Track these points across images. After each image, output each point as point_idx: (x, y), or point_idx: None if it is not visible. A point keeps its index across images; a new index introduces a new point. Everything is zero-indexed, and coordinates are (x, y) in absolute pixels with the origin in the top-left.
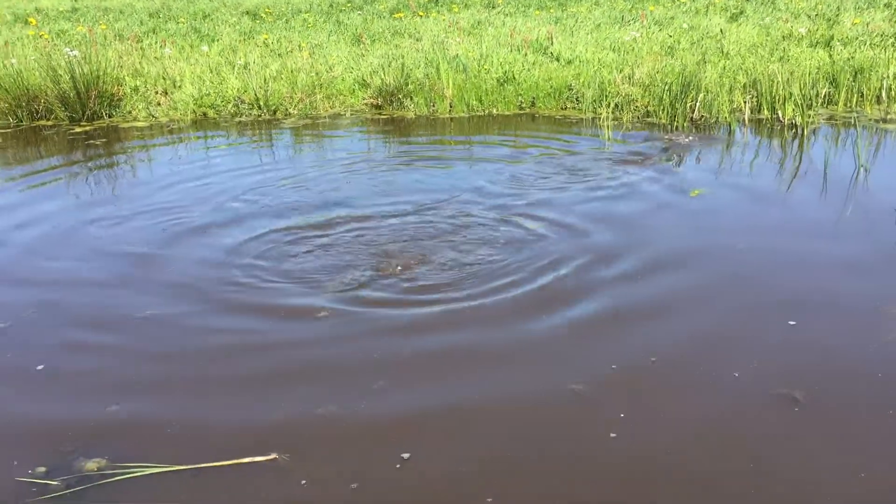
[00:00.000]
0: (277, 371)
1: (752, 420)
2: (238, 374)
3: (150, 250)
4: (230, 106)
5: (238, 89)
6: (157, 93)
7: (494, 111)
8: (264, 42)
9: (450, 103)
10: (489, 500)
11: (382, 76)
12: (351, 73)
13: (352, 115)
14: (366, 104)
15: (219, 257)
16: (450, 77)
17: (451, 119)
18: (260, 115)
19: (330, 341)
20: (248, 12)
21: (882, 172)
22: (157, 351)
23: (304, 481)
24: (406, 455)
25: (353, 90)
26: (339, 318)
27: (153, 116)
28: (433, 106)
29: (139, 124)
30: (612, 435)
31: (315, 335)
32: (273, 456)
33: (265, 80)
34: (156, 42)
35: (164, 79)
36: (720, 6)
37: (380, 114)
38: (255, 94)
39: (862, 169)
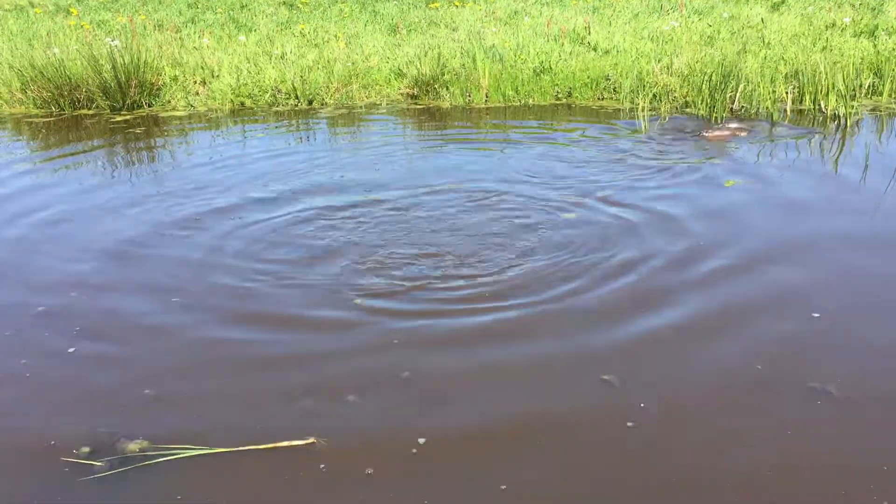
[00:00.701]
0: (315, 357)
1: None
2: (276, 358)
3: (185, 233)
4: (267, 96)
5: (275, 79)
6: (195, 82)
7: (530, 101)
8: (301, 32)
9: (486, 93)
10: None
11: (418, 66)
12: (387, 62)
13: (388, 104)
14: (402, 94)
15: (246, 245)
16: (486, 67)
17: (487, 109)
18: (297, 105)
19: (361, 338)
20: (284, 2)
21: None
22: (195, 335)
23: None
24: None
25: (389, 80)
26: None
27: (192, 106)
28: (469, 96)
29: (178, 113)
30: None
31: (354, 321)
32: (311, 440)
33: (302, 69)
34: (194, 32)
35: (202, 69)
36: None
37: (416, 103)
38: (293, 84)
39: None
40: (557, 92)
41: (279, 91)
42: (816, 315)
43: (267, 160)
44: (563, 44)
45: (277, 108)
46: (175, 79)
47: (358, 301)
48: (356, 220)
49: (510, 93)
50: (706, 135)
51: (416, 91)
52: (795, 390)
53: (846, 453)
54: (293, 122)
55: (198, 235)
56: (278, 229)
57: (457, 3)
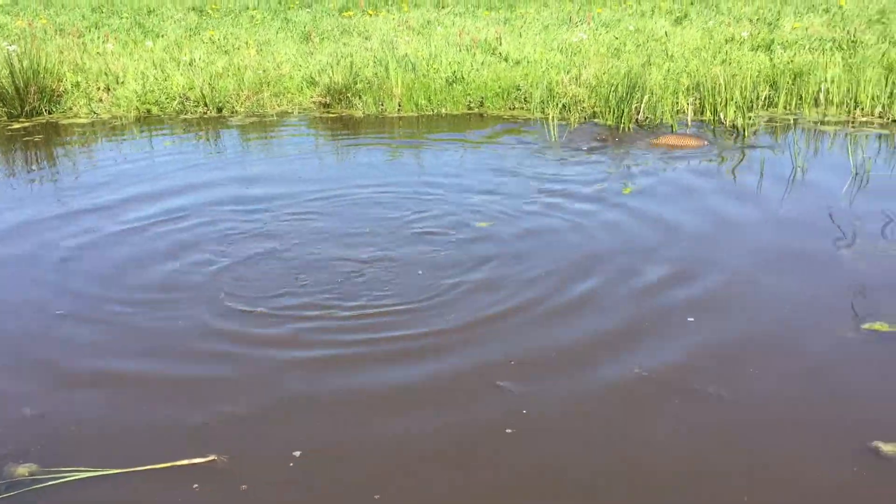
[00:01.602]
0: (216, 372)
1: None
2: (173, 375)
3: (77, 252)
4: (175, 103)
5: (183, 86)
6: (98, 89)
7: (443, 111)
8: (210, 38)
9: (399, 103)
10: None
11: (331, 74)
12: (299, 70)
13: (300, 113)
14: (314, 102)
15: (146, 257)
16: (399, 76)
17: (400, 118)
18: (206, 113)
19: (275, 338)
20: (194, 8)
21: (818, 173)
22: (84, 351)
23: (244, 485)
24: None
25: (302, 88)
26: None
27: (95, 113)
28: (382, 105)
29: (80, 121)
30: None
31: (256, 330)
32: (212, 458)
33: (211, 76)
34: (98, 37)
35: (106, 75)
36: (665, 9)
37: (328, 112)
38: (201, 92)
39: (799, 170)
40: (470, 101)
41: (187, 98)
42: (691, 319)
43: (169, 170)
44: (475, 54)
45: (186, 116)
46: (77, 85)
47: (258, 311)
48: (257, 231)
49: (423, 102)
50: (654, 141)
51: (328, 100)
52: (678, 394)
53: (731, 453)
54: (201, 130)
55: (88, 247)
56: (172, 240)
57: (370, 13)
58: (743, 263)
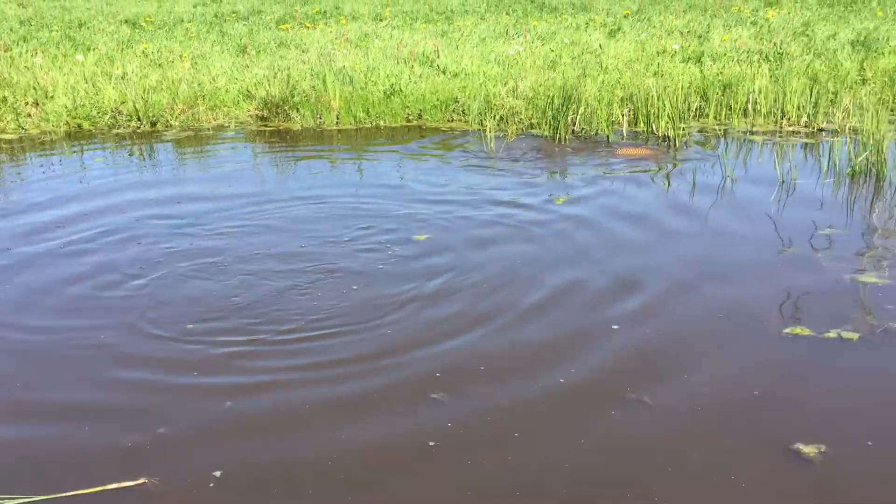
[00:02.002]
0: (140, 396)
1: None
2: (98, 400)
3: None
4: (107, 117)
5: (115, 100)
6: (27, 104)
7: (382, 123)
8: (143, 52)
9: (337, 115)
10: None
11: (268, 87)
12: (235, 84)
13: (236, 126)
14: (251, 116)
15: (68, 278)
16: (336, 89)
17: (339, 131)
18: (139, 127)
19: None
20: (126, 21)
21: (747, 182)
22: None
23: None
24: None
25: (238, 101)
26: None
27: (23, 128)
28: (320, 118)
29: (7, 136)
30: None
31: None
32: (142, 480)
33: (145, 90)
34: (26, 51)
35: (34, 89)
36: (599, 22)
37: (265, 125)
38: (134, 106)
39: (729, 179)
40: (408, 114)
41: (120, 113)
42: (616, 327)
43: (98, 185)
44: (413, 67)
45: (118, 131)
46: (4, 100)
47: (190, 326)
48: (187, 249)
49: (361, 115)
50: (618, 151)
51: (265, 113)
52: (605, 402)
53: (655, 458)
54: (134, 145)
55: (5, 270)
56: (96, 260)
57: (307, 25)
58: (670, 271)
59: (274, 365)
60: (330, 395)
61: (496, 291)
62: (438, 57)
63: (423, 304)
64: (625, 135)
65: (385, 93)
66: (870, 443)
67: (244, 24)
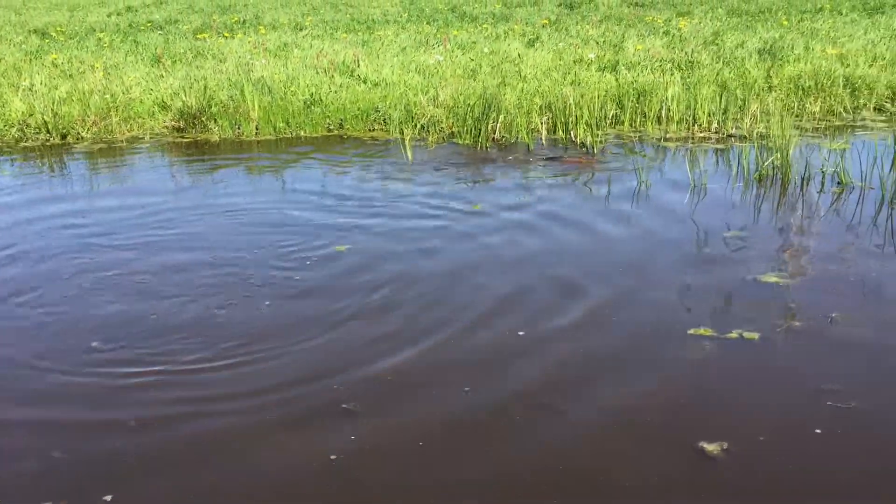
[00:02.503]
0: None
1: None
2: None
3: None
4: (14, 130)
5: (23, 112)
6: None
7: (302, 133)
8: (53, 62)
9: (256, 126)
10: None
11: (184, 98)
12: (150, 94)
13: (151, 138)
14: (167, 127)
15: None
16: (255, 99)
17: (258, 141)
18: (48, 140)
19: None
20: (36, 31)
21: (661, 188)
22: None
23: None
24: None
25: (153, 112)
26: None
27: None
28: (239, 128)
29: None
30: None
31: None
32: None
33: (54, 102)
34: None
35: None
36: (518, 32)
37: (182, 137)
38: (42, 118)
39: (643, 184)
40: (329, 124)
41: (27, 125)
42: (521, 333)
43: (2, 200)
44: (333, 76)
45: (26, 144)
46: None
47: (89, 350)
48: (94, 266)
49: (281, 125)
50: (565, 158)
51: (182, 124)
52: (514, 408)
53: (569, 462)
54: (43, 158)
55: None
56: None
57: (226, 35)
58: (580, 276)
59: (178, 395)
60: (238, 424)
61: (414, 303)
62: (359, 66)
63: (342, 320)
64: (544, 142)
65: (305, 103)
66: (768, 438)
67: (160, 34)
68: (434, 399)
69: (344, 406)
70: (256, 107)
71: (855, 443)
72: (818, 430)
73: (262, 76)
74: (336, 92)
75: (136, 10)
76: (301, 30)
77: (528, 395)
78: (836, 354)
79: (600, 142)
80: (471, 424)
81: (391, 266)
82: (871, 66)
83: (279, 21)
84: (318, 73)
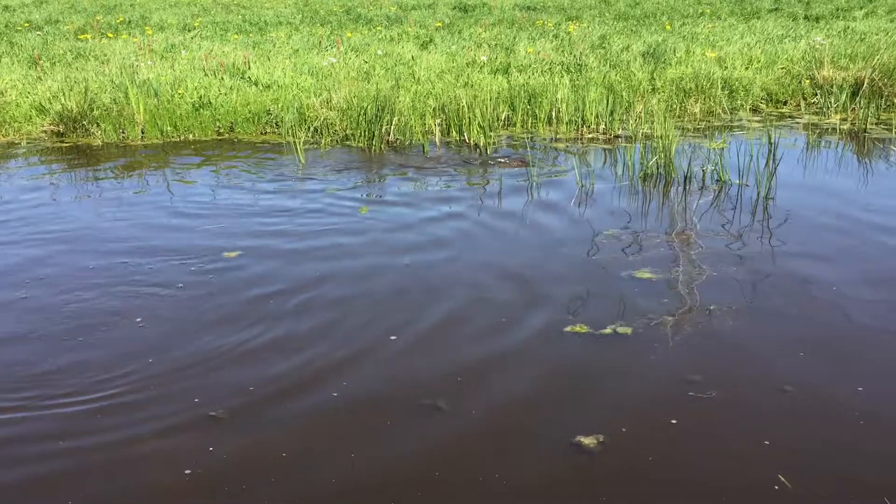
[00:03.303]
0: None
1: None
2: None
3: None
4: None
5: None
6: None
7: (191, 137)
8: None
9: (142, 129)
10: None
11: (63, 101)
12: (27, 98)
13: (28, 143)
14: (45, 132)
15: None
16: (140, 102)
17: (144, 146)
18: None
19: None
20: None
21: (549, 187)
22: None
23: None
24: None
25: (30, 117)
26: None
27: None
28: (123, 132)
29: None
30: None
31: None
32: None
33: None
34: None
35: None
36: (413, 34)
37: (62, 142)
38: None
39: (534, 184)
40: (219, 127)
41: None
42: (393, 337)
43: None
44: (222, 78)
45: None
46: None
47: None
48: None
49: (168, 128)
50: (500, 160)
51: (62, 128)
52: (399, 409)
53: (448, 459)
54: None
55: None
56: None
57: (109, 35)
58: (461, 277)
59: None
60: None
61: (292, 309)
62: (250, 68)
63: (218, 328)
64: (438, 144)
65: (194, 105)
66: (637, 429)
67: (38, 35)
68: (306, 405)
69: (211, 413)
70: (142, 110)
71: (705, 430)
72: (674, 421)
73: (148, 78)
74: (226, 94)
75: (14, 10)
76: (190, 31)
77: (405, 398)
78: (705, 346)
79: (493, 143)
80: (344, 429)
81: (277, 273)
82: (747, 68)
83: (167, 22)
84: (206, 75)
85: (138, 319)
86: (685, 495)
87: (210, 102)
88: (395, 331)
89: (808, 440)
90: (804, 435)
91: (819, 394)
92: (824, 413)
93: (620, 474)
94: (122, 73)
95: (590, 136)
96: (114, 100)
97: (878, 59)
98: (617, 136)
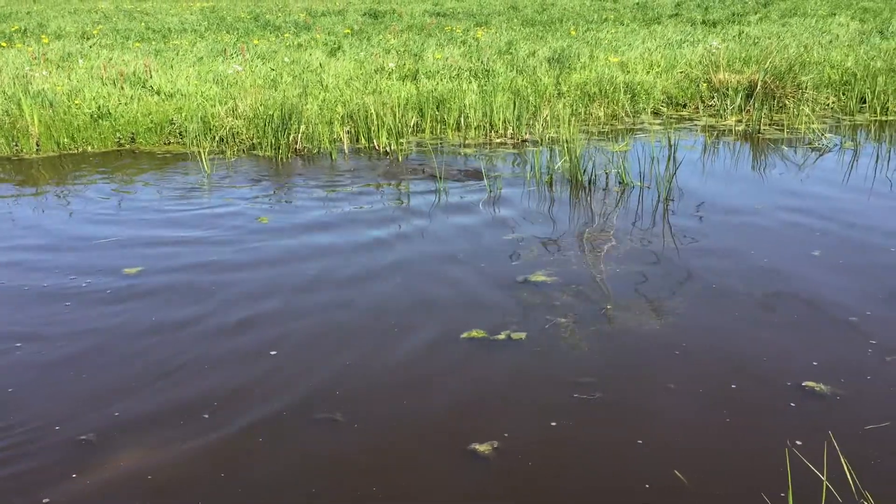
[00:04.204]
0: None
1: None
2: None
3: None
4: None
5: None
6: None
7: (90, 148)
8: None
9: (36, 141)
10: None
11: None
12: None
13: None
14: None
15: None
16: (34, 113)
17: (40, 159)
18: None
19: None
20: None
21: (456, 193)
22: None
23: None
24: None
25: None
26: None
27: None
28: (17, 145)
29: None
30: None
31: None
32: None
33: None
34: None
35: None
36: (321, 41)
37: None
38: None
39: (441, 191)
40: (119, 138)
41: None
42: (273, 353)
43: None
44: (122, 87)
45: None
46: None
47: None
48: None
49: (66, 140)
50: (409, 167)
51: None
52: (282, 421)
53: (345, 470)
54: None
55: None
56: None
57: (3, 44)
58: (356, 286)
59: None
60: None
61: (187, 325)
62: (151, 77)
63: (103, 348)
64: (346, 152)
65: (92, 116)
66: (528, 434)
67: None
68: (185, 424)
69: (81, 438)
70: (36, 121)
71: (593, 432)
72: (567, 423)
73: (43, 88)
74: (126, 104)
75: None
76: (89, 39)
77: (299, 407)
78: (597, 348)
79: (403, 149)
80: (236, 443)
81: (177, 288)
82: (648, 72)
83: (65, 30)
84: (105, 84)
85: (18, 344)
86: (578, 497)
87: (109, 112)
88: (279, 343)
89: (690, 437)
90: (686, 432)
91: (699, 391)
92: (705, 410)
93: (515, 480)
94: (14, 83)
95: (498, 140)
96: (6, 112)
97: (769, 63)
98: (524, 141)
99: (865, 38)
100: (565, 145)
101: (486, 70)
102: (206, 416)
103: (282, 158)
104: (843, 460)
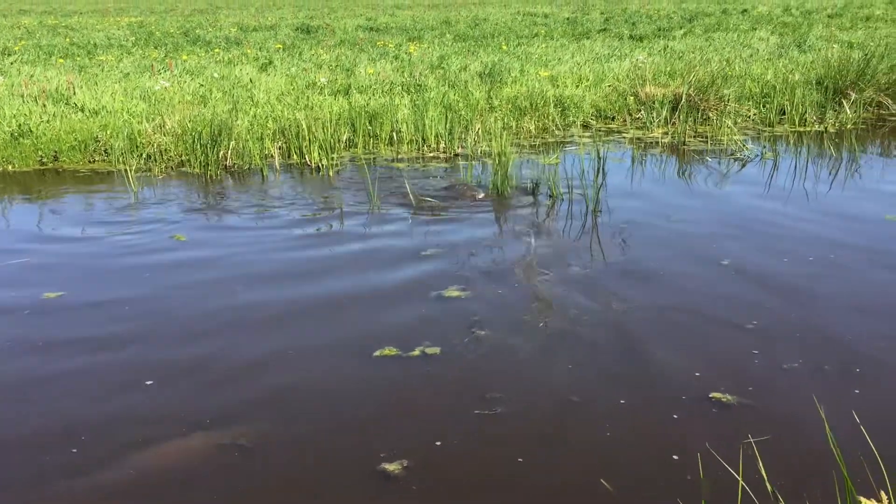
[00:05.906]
0: None
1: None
2: None
3: None
4: None
5: None
6: None
7: (10, 168)
8: None
9: None
10: None
11: None
12: None
13: None
14: None
15: None
16: None
17: None
18: None
19: None
20: None
21: (387, 207)
22: None
23: None
24: None
25: None
26: None
27: None
28: None
29: None
30: None
31: None
32: None
33: None
34: None
35: None
36: (252, 56)
37: None
38: None
39: (376, 207)
40: (42, 156)
41: None
42: (149, 382)
43: None
44: (44, 105)
45: None
46: None
47: None
48: None
49: None
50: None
51: None
52: (188, 445)
53: (266, 489)
54: None
55: None
56: None
57: None
58: (269, 305)
59: None
60: None
61: (132, 343)
62: (75, 94)
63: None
64: (278, 168)
65: (12, 134)
66: (435, 452)
67: None
68: (69, 459)
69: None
70: None
71: (476, 449)
72: (455, 441)
73: None
74: (48, 122)
75: None
76: (10, 55)
77: (205, 427)
78: (508, 363)
79: (335, 164)
80: (139, 479)
81: (98, 311)
82: (577, 86)
83: None
84: (26, 101)
85: None
86: None
87: (31, 130)
88: (210, 357)
89: (601, 449)
90: (595, 444)
91: (606, 404)
92: (614, 422)
93: (424, 497)
94: None
95: (430, 154)
96: None
97: (693, 76)
98: (457, 155)
99: (784, 51)
100: (497, 159)
101: (419, 85)
102: (75, 450)
103: (211, 175)
104: (760, 466)
